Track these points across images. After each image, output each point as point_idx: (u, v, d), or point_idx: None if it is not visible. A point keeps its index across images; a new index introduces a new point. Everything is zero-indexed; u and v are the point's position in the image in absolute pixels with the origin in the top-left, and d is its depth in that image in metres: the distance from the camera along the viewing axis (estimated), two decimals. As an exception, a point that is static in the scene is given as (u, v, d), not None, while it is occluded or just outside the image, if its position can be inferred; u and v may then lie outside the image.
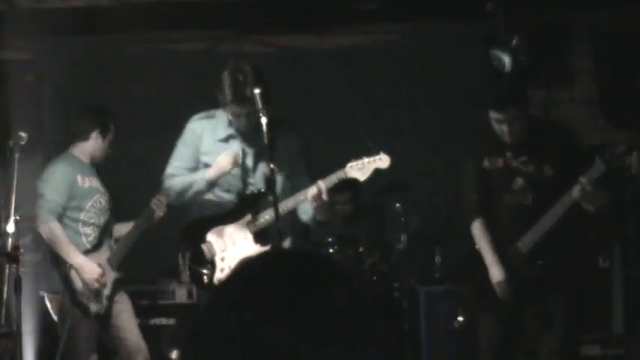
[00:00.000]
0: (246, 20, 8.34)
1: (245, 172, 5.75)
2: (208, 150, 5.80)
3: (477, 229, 5.92)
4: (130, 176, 8.31)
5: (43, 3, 8.06)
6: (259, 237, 5.70)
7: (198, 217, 5.90)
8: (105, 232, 6.45)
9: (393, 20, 8.52)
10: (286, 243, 5.76)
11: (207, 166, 5.79)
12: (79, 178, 6.39)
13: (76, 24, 8.29)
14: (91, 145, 6.49)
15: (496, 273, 5.78)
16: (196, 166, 5.86)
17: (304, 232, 6.34)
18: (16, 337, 6.23)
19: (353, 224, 7.56)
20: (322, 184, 5.53)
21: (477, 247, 5.93)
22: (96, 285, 6.27)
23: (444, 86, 8.53)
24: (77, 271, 6.26)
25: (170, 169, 5.97)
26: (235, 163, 5.70)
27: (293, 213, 5.80)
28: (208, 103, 8.45)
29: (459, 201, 6.15)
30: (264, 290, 1.52)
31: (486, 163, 5.86)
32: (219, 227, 5.77)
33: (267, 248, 5.58)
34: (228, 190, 5.75)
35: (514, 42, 7.67)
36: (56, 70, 8.56)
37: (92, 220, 6.39)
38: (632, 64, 8.27)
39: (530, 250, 5.71)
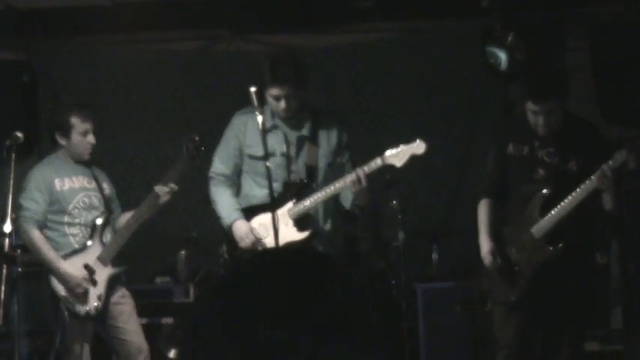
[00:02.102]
0: (241, 19, 8.34)
1: (289, 161, 5.89)
2: (252, 142, 5.89)
3: (481, 207, 5.96)
4: (126, 175, 8.32)
5: (40, 3, 8.06)
6: (300, 223, 5.86)
7: (244, 206, 6.01)
8: (95, 230, 6.38)
9: (390, 18, 8.52)
10: (327, 226, 5.98)
11: (250, 157, 5.91)
12: (56, 182, 6.33)
13: (71, 24, 8.29)
14: (64, 147, 6.43)
15: (484, 246, 5.82)
16: (240, 161, 5.97)
17: (350, 217, 6.43)
18: (13, 338, 6.22)
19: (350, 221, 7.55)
20: (361, 171, 5.69)
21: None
22: (79, 290, 6.22)
23: (441, 83, 8.53)
24: (57, 278, 6.23)
25: (211, 171, 6.10)
26: (246, 240, 5.87)
27: (336, 198, 5.94)
28: (204, 100, 8.49)
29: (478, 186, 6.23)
30: (263, 286, 1.52)
31: (511, 149, 5.87)
32: (262, 215, 5.87)
33: (307, 234, 5.83)
34: (274, 180, 5.80)
35: (510, 39, 7.66)
36: (52, 70, 8.56)
37: (77, 220, 6.33)
38: (628, 60, 8.25)
39: (543, 235, 5.72)
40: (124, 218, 6.47)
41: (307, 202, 5.82)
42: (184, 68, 8.66)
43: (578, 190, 5.62)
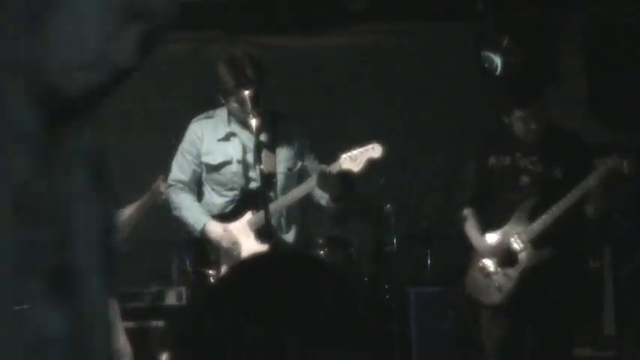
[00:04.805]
0: (234, 21, 8.32)
1: (246, 168, 5.71)
2: (208, 150, 5.77)
3: (465, 215, 5.95)
4: (117, 176, 8.27)
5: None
6: (261, 234, 5.62)
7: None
8: None
9: (382, 20, 8.51)
10: (290, 235, 5.78)
11: (207, 166, 5.76)
12: None
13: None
14: None
15: (483, 244, 5.81)
16: (199, 169, 5.81)
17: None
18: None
19: (343, 225, 7.53)
20: (325, 167, 5.52)
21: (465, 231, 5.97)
22: None
23: (434, 86, 8.52)
24: None
25: (170, 178, 5.95)
26: (225, 239, 5.67)
27: (301, 207, 5.78)
28: (196, 102, 8.44)
29: (457, 197, 6.18)
30: (256, 291, 1.52)
31: (492, 161, 5.87)
32: (223, 226, 5.71)
33: (267, 246, 5.50)
34: (232, 188, 5.71)
35: (504, 43, 7.66)
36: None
37: None
38: (622, 63, 8.26)
39: (535, 237, 5.71)
40: (124, 211, 6.47)
41: (266, 212, 5.43)
42: (176, 69, 8.62)
43: (571, 192, 5.62)
